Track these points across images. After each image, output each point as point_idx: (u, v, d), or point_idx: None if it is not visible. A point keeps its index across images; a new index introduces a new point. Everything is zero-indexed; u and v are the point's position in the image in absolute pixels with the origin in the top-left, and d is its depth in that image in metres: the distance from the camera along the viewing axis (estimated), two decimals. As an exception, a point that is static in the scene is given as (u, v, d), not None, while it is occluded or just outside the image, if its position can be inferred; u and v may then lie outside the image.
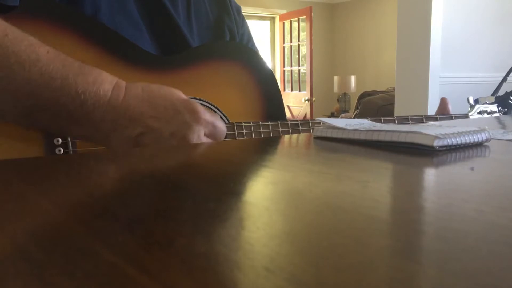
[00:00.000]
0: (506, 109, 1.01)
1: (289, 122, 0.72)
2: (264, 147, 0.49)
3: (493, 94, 1.05)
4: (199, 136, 0.53)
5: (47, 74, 0.47)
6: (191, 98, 0.66)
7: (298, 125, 0.73)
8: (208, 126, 0.54)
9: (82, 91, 0.48)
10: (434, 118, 0.90)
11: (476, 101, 0.99)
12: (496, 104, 1.00)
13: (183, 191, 0.27)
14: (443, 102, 0.94)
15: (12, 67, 0.46)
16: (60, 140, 0.55)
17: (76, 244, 0.17)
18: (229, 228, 0.19)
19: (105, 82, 0.49)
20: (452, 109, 0.95)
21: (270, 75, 0.74)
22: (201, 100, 0.67)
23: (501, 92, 1.05)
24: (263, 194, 0.27)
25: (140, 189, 0.28)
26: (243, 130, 0.66)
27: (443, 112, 0.94)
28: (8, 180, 0.30)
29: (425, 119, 0.88)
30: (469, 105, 0.99)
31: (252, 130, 0.67)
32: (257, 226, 0.19)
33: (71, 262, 0.15)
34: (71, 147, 0.56)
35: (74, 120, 0.49)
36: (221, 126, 0.57)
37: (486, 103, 0.99)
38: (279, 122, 0.70)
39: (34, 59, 0.46)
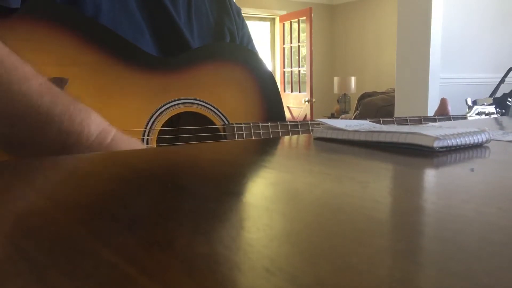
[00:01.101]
0: (503, 110, 1.01)
1: (288, 123, 0.72)
2: (264, 148, 0.49)
3: (491, 96, 1.05)
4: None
5: (33, 108, 0.46)
6: (191, 99, 0.66)
7: (297, 126, 0.73)
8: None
9: (66, 131, 0.47)
10: (432, 119, 0.90)
11: (474, 102, 0.99)
12: (494, 106, 1.01)
13: (183, 191, 0.27)
14: (443, 103, 0.94)
15: (0, 97, 0.45)
16: None
17: (76, 244, 0.17)
18: (229, 229, 0.19)
19: (92, 124, 0.49)
20: (452, 110, 0.95)
21: (270, 76, 0.74)
22: (201, 101, 0.67)
23: (499, 94, 1.06)
24: (263, 194, 0.27)
25: (140, 189, 0.28)
26: (243, 131, 0.66)
27: (442, 113, 0.94)
28: (8, 181, 0.30)
29: (423, 120, 0.88)
30: (467, 106, 0.99)
31: (252, 131, 0.67)
32: (257, 226, 0.19)
33: (71, 262, 0.15)
34: None
35: (53, 151, 0.49)
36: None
37: (484, 104, 1.00)
38: (278, 123, 0.70)
39: (24, 90, 0.46)
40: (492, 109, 1.00)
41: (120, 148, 0.50)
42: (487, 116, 0.99)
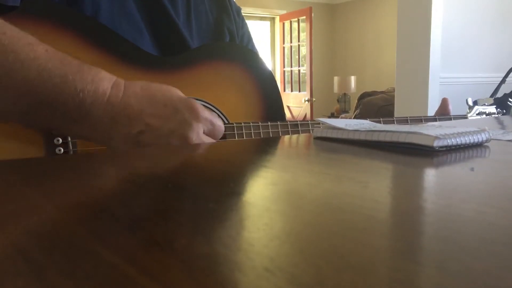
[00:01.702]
0: (504, 111, 1.01)
1: (288, 123, 0.72)
2: (264, 147, 0.49)
3: (491, 96, 1.05)
4: (198, 134, 0.53)
5: (45, 72, 0.47)
6: (192, 98, 0.66)
7: (297, 126, 0.73)
8: (207, 124, 0.54)
9: (81, 89, 0.48)
10: (433, 119, 0.90)
11: (475, 103, 0.99)
12: (495, 106, 1.00)
13: (183, 191, 0.27)
14: (444, 103, 0.94)
15: (10, 65, 0.45)
16: (60, 140, 0.55)
17: (76, 244, 0.17)
18: (229, 229, 0.19)
19: (104, 80, 0.49)
20: (452, 109, 0.95)
21: (270, 76, 0.74)
22: (201, 101, 0.67)
23: (499, 94, 1.06)
24: (263, 194, 0.27)
25: (140, 189, 0.28)
26: (243, 131, 0.66)
27: (443, 113, 0.94)
28: (9, 181, 0.30)
29: (424, 120, 0.88)
30: (467, 107, 0.99)
31: (252, 131, 0.67)
32: (257, 226, 0.19)
33: (71, 262, 0.16)
34: (71, 147, 0.56)
35: (73, 118, 0.49)
36: (219, 124, 0.57)
37: (484, 104, 0.99)
38: (278, 123, 0.70)
39: (33, 57, 0.46)
40: (493, 109, 1.00)
41: (135, 94, 0.51)
42: (488, 116, 0.99)
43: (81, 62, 0.50)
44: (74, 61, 0.49)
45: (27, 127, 0.53)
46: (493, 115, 1.00)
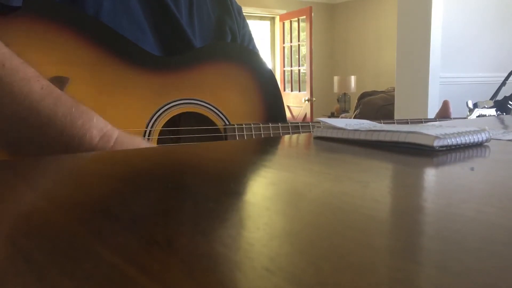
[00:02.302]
0: (504, 113, 1.01)
1: (289, 124, 0.72)
2: (264, 147, 0.49)
3: (491, 98, 1.05)
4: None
5: (35, 111, 0.46)
6: (192, 99, 0.66)
7: (298, 127, 0.73)
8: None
9: (68, 134, 0.47)
10: (433, 122, 0.90)
11: (475, 105, 0.99)
12: (495, 109, 1.00)
13: (183, 191, 0.27)
14: (445, 105, 0.94)
15: (2, 99, 0.45)
16: None
17: (76, 244, 0.17)
18: (229, 228, 0.19)
19: (93, 128, 0.49)
20: (452, 110, 0.95)
21: (271, 76, 0.74)
22: (202, 101, 0.67)
23: (500, 96, 1.05)
24: (263, 194, 0.27)
25: (140, 189, 0.28)
26: (243, 132, 0.66)
27: (444, 115, 0.94)
28: (8, 180, 0.30)
29: (424, 122, 0.88)
30: (468, 109, 0.99)
31: (253, 132, 0.67)
32: (257, 226, 0.19)
33: (71, 262, 0.15)
34: None
35: (61, 151, 0.49)
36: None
37: (485, 107, 0.99)
38: (279, 124, 0.70)
39: (25, 94, 0.46)
40: (493, 111, 1.00)
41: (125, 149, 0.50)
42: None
43: (77, 104, 0.49)
44: (68, 102, 0.48)
45: (16, 155, 0.53)
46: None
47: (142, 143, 0.54)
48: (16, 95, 0.46)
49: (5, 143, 0.49)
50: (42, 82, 0.48)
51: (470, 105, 0.99)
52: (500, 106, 1.01)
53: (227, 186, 0.28)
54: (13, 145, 0.49)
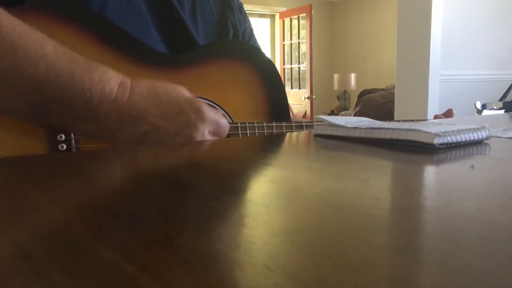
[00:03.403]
0: None
1: (293, 123, 0.72)
2: (265, 145, 0.49)
3: (501, 99, 1.04)
4: (203, 135, 0.53)
5: (53, 69, 0.47)
6: (196, 97, 0.66)
7: (302, 127, 0.73)
8: (212, 125, 0.55)
9: (88, 88, 0.48)
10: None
11: (484, 106, 0.98)
12: (504, 110, 0.99)
13: (184, 189, 0.27)
14: (449, 113, 0.93)
15: (19, 62, 0.46)
16: (64, 136, 0.55)
17: (76, 242, 0.17)
18: (230, 226, 0.19)
19: (111, 80, 0.50)
20: (453, 107, 0.94)
21: (274, 72, 0.74)
22: (206, 99, 0.67)
23: (509, 98, 1.04)
24: (264, 192, 0.27)
25: (140, 187, 0.28)
26: (247, 131, 0.66)
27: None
28: (9, 178, 0.30)
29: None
30: (476, 110, 0.98)
31: (256, 131, 0.67)
32: (257, 224, 0.19)
33: (71, 260, 0.16)
34: (74, 143, 0.56)
35: (80, 117, 0.49)
36: (225, 123, 0.57)
37: (493, 108, 0.98)
38: (283, 123, 0.70)
39: (41, 55, 0.46)
40: (501, 113, 0.99)
41: (141, 94, 0.51)
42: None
43: (88, 61, 0.50)
44: (81, 60, 0.49)
45: (33, 124, 0.53)
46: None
47: (153, 82, 0.54)
48: (32, 57, 0.46)
49: (27, 110, 0.49)
50: (53, 43, 0.48)
51: (478, 106, 0.98)
52: (510, 107, 1.00)
53: (227, 184, 0.28)
54: (35, 111, 0.49)
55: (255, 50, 0.76)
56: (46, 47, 0.47)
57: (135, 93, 0.51)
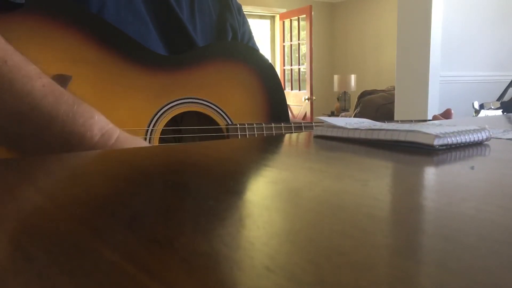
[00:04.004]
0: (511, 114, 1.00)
1: (292, 124, 0.72)
2: (264, 146, 0.49)
3: (498, 99, 1.04)
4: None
5: (37, 109, 0.46)
6: (195, 98, 0.66)
7: (301, 127, 0.73)
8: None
9: (69, 131, 0.48)
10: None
11: (481, 106, 0.98)
12: (502, 110, 0.99)
13: (183, 189, 0.27)
14: (448, 113, 0.93)
15: (3, 95, 0.45)
16: None
17: (76, 243, 0.17)
18: (229, 227, 0.19)
19: (94, 126, 0.49)
20: (452, 108, 0.94)
21: (273, 73, 0.74)
22: (205, 101, 0.67)
23: (506, 97, 1.05)
24: (263, 192, 0.27)
25: (140, 187, 0.28)
26: (246, 132, 0.66)
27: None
28: (8, 179, 0.30)
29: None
30: (474, 110, 0.99)
31: (255, 132, 0.67)
32: (257, 225, 0.19)
33: (71, 260, 0.16)
34: None
35: (55, 150, 0.49)
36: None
37: (491, 108, 0.98)
38: (282, 124, 0.70)
39: (27, 91, 0.46)
40: (499, 113, 0.99)
41: (127, 138, 0.50)
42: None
43: (78, 102, 0.49)
44: (70, 100, 0.48)
45: (15, 153, 0.53)
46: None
47: (142, 143, 0.54)
48: (18, 92, 0.46)
49: (5, 140, 0.49)
50: (43, 80, 0.48)
51: (476, 106, 0.98)
52: (507, 107, 1.00)
53: (227, 185, 0.28)
54: (13, 141, 0.49)
55: (254, 51, 0.76)
56: (35, 84, 0.47)
57: (119, 144, 0.50)
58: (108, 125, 0.50)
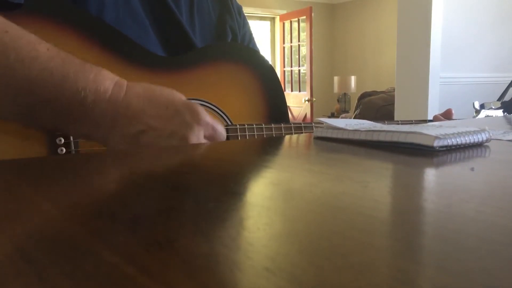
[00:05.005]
0: None
1: (292, 125, 0.72)
2: (265, 147, 0.49)
3: (499, 99, 1.04)
4: (199, 137, 0.53)
5: (47, 70, 0.47)
6: (194, 99, 0.66)
7: (301, 128, 0.73)
8: (208, 129, 0.54)
9: (83, 87, 0.48)
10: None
11: (482, 106, 0.98)
12: (502, 110, 0.99)
13: (184, 191, 0.27)
14: (448, 113, 0.93)
15: (11, 64, 0.46)
16: (63, 140, 0.55)
17: (76, 244, 0.17)
18: (230, 228, 0.19)
19: (106, 79, 0.50)
20: (453, 109, 0.94)
21: (273, 75, 0.74)
22: (204, 102, 0.67)
23: (507, 97, 1.04)
24: (264, 194, 0.27)
25: (140, 189, 0.28)
26: (246, 133, 0.66)
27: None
28: (9, 181, 0.30)
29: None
30: (474, 110, 0.98)
31: (255, 133, 0.67)
32: (257, 226, 0.19)
33: (71, 262, 0.16)
34: (73, 147, 0.56)
35: (75, 117, 0.49)
36: (221, 129, 0.57)
37: (491, 108, 0.98)
38: (282, 125, 0.70)
39: (34, 56, 0.46)
40: (500, 113, 0.99)
41: (137, 98, 0.51)
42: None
43: (83, 61, 0.50)
44: (75, 60, 0.49)
45: (27, 126, 0.53)
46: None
47: (148, 86, 0.53)
48: (25, 58, 0.46)
49: (21, 112, 0.49)
50: (46, 44, 0.48)
51: (477, 106, 0.98)
52: (508, 107, 0.99)
53: (227, 186, 0.28)
54: (29, 113, 0.49)
55: (253, 52, 0.76)
56: (39, 49, 0.47)
57: (130, 93, 0.50)
58: (115, 77, 0.51)
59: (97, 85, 0.49)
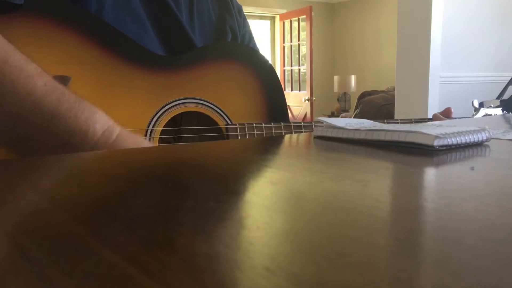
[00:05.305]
0: (511, 113, 1.00)
1: (292, 124, 0.72)
2: (265, 146, 0.49)
3: (498, 98, 1.04)
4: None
5: (38, 109, 0.46)
6: (194, 98, 0.67)
7: (301, 127, 0.73)
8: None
9: (71, 129, 0.48)
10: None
11: (481, 105, 0.98)
12: (501, 108, 0.99)
13: (183, 190, 0.27)
14: (448, 111, 0.93)
15: (5, 96, 0.45)
16: None
17: (76, 243, 0.17)
18: (229, 228, 0.19)
19: (97, 122, 0.49)
20: (453, 108, 0.94)
21: (273, 74, 0.74)
22: (204, 101, 0.67)
23: (506, 96, 1.04)
24: (263, 193, 0.27)
25: (140, 188, 0.28)
26: (245, 132, 0.66)
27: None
28: (8, 180, 0.30)
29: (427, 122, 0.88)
30: (473, 109, 0.98)
31: (255, 132, 0.67)
32: (257, 225, 0.19)
33: (71, 261, 0.16)
34: None
35: (57, 150, 0.49)
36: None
37: (491, 106, 0.98)
38: (282, 124, 0.70)
39: (29, 91, 0.46)
40: (499, 111, 0.99)
41: (126, 146, 0.51)
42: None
43: (79, 99, 0.49)
44: (71, 98, 0.49)
45: (17, 154, 0.53)
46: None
47: (143, 141, 0.54)
48: (19, 92, 0.46)
49: (8, 140, 0.49)
50: (44, 79, 0.48)
51: (476, 105, 0.98)
52: (507, 105, 0.99)
53: (227, 186, 0.28)
54: (16, 142, 0.49)
55: (254, 51, 0.76)
56: (36, 84, 0.47)
57: (120, 139, 0.50)
58: (109, 122, 0.50)
59: (87, 127, 0.48)
